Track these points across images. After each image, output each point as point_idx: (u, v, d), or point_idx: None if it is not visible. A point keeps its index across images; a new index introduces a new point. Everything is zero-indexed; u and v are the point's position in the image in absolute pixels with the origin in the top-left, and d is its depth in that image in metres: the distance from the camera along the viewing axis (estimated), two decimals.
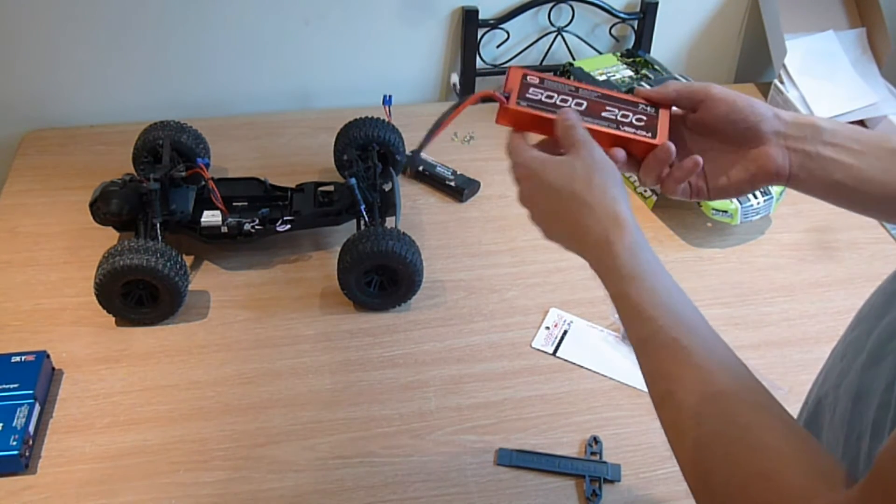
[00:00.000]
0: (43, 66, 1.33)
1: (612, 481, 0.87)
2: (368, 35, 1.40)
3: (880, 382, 0.48)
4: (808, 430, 0.51)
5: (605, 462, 0.89)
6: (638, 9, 1.45)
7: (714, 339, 0.52)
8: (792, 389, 0.96)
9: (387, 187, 1.12)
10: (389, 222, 1.07)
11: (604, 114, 0.66)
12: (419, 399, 0.95)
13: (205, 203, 1.08)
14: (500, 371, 0.99)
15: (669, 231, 1.20)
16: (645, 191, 1.25)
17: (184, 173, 1.07)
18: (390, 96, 1.16)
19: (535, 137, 0.67)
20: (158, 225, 1.03)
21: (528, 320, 1.05)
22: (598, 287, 0.58)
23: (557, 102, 0.66)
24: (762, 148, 0.62)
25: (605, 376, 0.98)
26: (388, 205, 1.09)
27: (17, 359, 0.93)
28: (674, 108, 0.68)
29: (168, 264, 0.98)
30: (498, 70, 1.47)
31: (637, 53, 1.41)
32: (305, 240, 1.15)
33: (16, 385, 0.90)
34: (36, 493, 0.84)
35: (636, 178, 0.74)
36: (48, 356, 0.95)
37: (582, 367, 1.00)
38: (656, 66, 1.37)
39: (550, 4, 1.42)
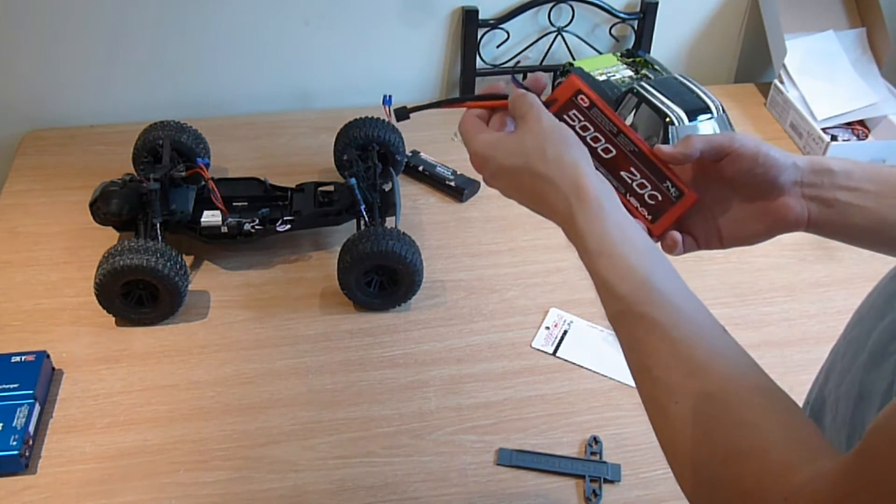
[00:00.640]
0: (43, 66, 1.33)
1: (612, 481, 0.87)
2: (368, 35, 1.40)
3: (882, 384, 0.48)
4: None
5: (605, 462, 0.89)
6: (638, 9, 1.45)
7: (692, 307, 0.51)
8: (792, 389, 0.93)
9: (387, 187, 1.12)
10: (389, 222, 1.07)
11: (623, 173, 0.63)
12: (419, 399, 0.95)
13: (205, 203, 1.08)
14: (500, 371, 0.99)
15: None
16: None
17: (184, 173, 1.07)
18: (390, 96, 1.16)
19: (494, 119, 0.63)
20: (158, 225, 1.03)
21: (528, 320, 1.05)
22: None
23: (588, 140, 0.62)
24: (781, 199, 0.60)
25: (605, 376, 0.98)
26: (388, 205, 1.09)
27: (17, 359, 0.93)
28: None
29: (168, 264, 0.98)
30: (498, 70, 1.47)
31: (637, 53, 1.41)
32: (305, 240, 1.15)
33: (16, 385, 0.90)
34: (36, 493, 0.84)
35: None
36: (48, 356, 0.95)
37: (582, 367, 1.00)
38: (656, 66, 1.37)
39: (550, 4, 1.42)
